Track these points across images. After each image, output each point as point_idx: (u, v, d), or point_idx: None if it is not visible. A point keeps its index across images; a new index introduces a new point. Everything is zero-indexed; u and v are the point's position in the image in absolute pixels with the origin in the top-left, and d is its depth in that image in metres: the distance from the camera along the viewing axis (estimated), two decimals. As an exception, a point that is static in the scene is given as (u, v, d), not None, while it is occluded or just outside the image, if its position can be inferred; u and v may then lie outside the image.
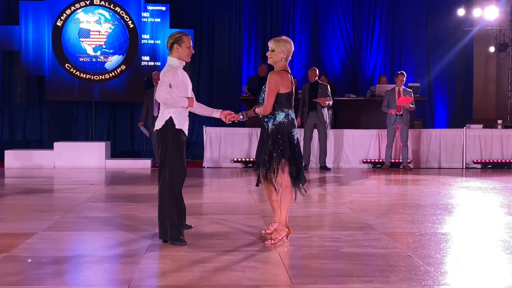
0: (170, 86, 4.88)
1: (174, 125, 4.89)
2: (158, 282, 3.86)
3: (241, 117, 5.16)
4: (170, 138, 4.89)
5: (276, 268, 4.17)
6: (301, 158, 4.98)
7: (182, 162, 4.94)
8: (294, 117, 4.97)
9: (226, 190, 8.42)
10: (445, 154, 11.53)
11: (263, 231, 5.27)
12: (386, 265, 4.22)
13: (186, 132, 5.01)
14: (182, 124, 4.95)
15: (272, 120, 4.92)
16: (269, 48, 4.92)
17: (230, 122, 5.22)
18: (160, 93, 4.87)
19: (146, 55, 12.65)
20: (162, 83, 4.90)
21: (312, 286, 3.76)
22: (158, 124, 4.96)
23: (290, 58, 4.97)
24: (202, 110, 5.25)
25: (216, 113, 5.22)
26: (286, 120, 4.88)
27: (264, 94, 4.91)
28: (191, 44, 5.07)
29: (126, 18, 12.57)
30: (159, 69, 12.10)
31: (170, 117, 4.90)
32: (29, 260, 4.38)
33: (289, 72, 4.97)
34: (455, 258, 4.52)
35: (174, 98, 4.88)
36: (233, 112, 5.19)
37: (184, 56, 5.02)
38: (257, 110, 4.99)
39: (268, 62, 5.00)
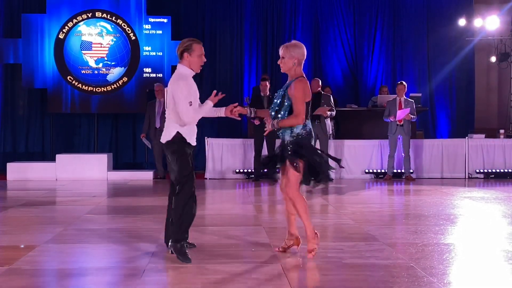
0: (191, 104, 4.66)
1: (184, 139, 4.76)
2: (160, 294, 3.86)
3: (248, 112, 4.96)
4: (176, 150, 4.76)
5: (279, 280, 4.16)
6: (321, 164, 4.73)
7: (191, 171, 4.83)
8: (311, 128, 4.77)
9: (228, 202, 8.41)
10: (447, 164, 11.51)
11: (277, 249, 4.98)
12: (389, 276, 4.21)
13: (194, 143, 4.88)
14: (190, 137, 4.81)
15: (289, 132, 4.70)
16: (280, 56, 4.74)
17: (237, 115, 4.97)
18: (188, 114, 4.63)
19: (148, 67, 12.67)
20: (180, 100, 4.61)
21: (315, 297, 3.75)
22: (165, 138, 4.82)
23: (303, 62, 4.74)
24: (210, 113, 5.01)
25: (221, 112, 5.01)
26: (304, 132, 4.68)
27: (277, 107, 4.71)
28: (203, 52, 4.80)
29: (128, 30, 12.63)
30: (161, 81, 12.14)
31: (178, 132, 4.75)
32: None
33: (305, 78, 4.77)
34: (458, 268, 4.50)
35: (199, 112, 4.76)
36: (238, 105, 5.00)
37: (194, 65, 4.80)
38: (286, 122, 4.62)
39: (281, 71, 4.76)
